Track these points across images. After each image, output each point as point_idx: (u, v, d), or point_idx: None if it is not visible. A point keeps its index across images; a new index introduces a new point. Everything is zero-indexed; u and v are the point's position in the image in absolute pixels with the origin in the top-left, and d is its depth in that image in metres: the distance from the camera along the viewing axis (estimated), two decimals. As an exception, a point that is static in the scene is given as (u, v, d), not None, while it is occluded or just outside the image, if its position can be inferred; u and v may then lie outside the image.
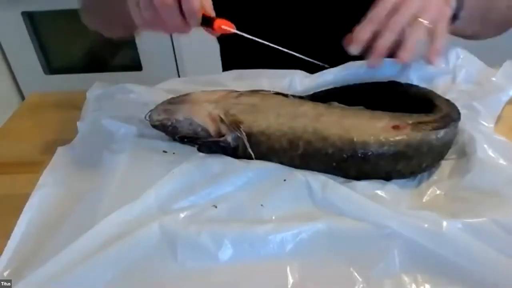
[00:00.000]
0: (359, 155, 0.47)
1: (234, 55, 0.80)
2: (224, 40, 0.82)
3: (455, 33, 0.60)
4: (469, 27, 0.61)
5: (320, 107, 0.52)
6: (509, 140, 0.51)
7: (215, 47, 0.88)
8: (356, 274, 0.40)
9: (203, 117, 0.54)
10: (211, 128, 0.53)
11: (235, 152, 0.52)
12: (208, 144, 0.53)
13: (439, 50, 0.52)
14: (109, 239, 0.42)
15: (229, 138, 0.51)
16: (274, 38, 0.71)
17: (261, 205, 0.46)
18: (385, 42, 0.51)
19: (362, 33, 0.52)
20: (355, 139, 0.47)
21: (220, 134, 0.52)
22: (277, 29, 0.70)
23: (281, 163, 0.50)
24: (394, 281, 0.39)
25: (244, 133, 0.51)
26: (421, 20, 0.50)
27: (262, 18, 0.69)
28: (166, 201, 0.46)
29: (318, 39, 0.71)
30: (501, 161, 0.48)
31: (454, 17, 0.56)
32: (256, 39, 0.55)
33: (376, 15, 0.52)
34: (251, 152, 0.51)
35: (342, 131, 0.48)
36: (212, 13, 0.51)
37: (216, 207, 0.46)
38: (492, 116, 0.55)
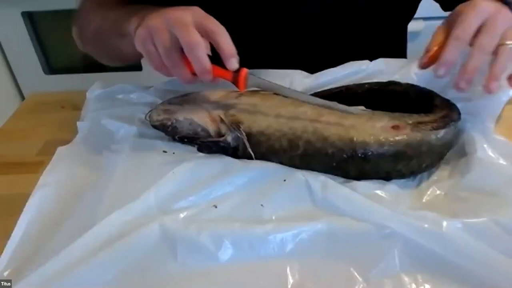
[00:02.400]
0: (359, 155, 0.47)
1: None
2: None
3: None
4: None
5: (320, 107, 0.52)
6: (509, 140, 0.51)
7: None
8: (356, 274, 0.40)
9: (203, 117, 0.54)
10: (211, 128, 0.53)
11: (235, 152, 0.52)
12: (208, 144, 0.53)
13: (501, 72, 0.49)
14: (109, 239, 0.42)
15: (229, 138, 0.51)
16: (274, 39, 0.72)
17: (261, 205, 0.46)
18: (475, 63, 0.48)
19: (450, 54, 0.48)
20: (355, 139, 0.47)
21: (220, 134, 0.52)
22: (278, 29, 0.70)
23: (281, 163, 0.50)
24: (394, 281, 0.39)
25: (244, 133, 0.51)
26: (509, 43, 0.48)
27: (262, 19, 0.69)
28: (166, 201, 0.46)
29: (319, 39, 0.71)
30: (501, 161, 0.48)
31: None
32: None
33: (462, 34, 0.48)
34: (251, 152, 0.51)
35: (342, 131, 0.48)
36: (234, 65, 0.49)
37: (216, 207, 0.46)
38: (492, 116, 0.55)
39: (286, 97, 0.56)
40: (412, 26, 0.78)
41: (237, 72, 0.50)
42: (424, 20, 1.23)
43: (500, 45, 0.48)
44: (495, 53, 0.48)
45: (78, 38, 0.69)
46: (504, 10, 0.49)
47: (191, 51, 0.47)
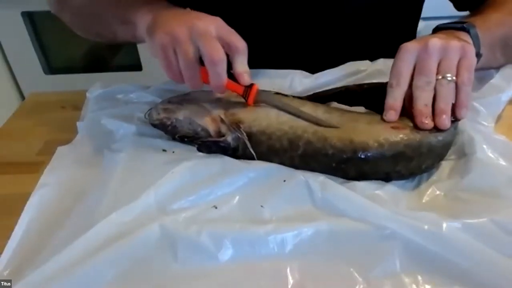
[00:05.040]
0: (359, 155, 0.47)
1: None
2: None
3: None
4: (493, 60, 0.59)
5: (320, 108, 0.52)
6: (509, 140, 0.51)
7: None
8: (356, 274, 0.40)
9: (203, 116, 0.54)
10: (211, 128, 0.53)
11: (235, 152, 0.52)
12: (207, 144, 0.53)
13: (466, 103, 0.49)
14: (109, 239, 0.42)
15: (229, 138, 0.51)
16: (275, 38, 0.72)
17: (261, 206, 0.46)
18: (422, 102, 0.47)
19: (394, 101, 0.49)
20: (354, 140, 0.47)
21: (220, 134, 0.52)
22: (278, 30, 0.70)
23: (281, 163, 0.50)
24: (394, 282, 0.39)
25: (244, 133, 0.51)
26: (448, 76, 0.48)
27: (262, 19, 0.69)
28: (166, 200, 0.46)
29: (321, 39, 0.71)
30: (501, 162, 0.48)
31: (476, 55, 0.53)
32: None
33: (396, 81, 0.49)
34: (252, 152, 0.51)
35: (342, 132, 0.48)
36: (247, 80, 0.51)
37: (216, 207, 0.45)
38: (492, 116, 0.55)
39: (286, 96, 0.56)
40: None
41: (248, 87, 0.52)
42: (424, 20, 1.23)
43: (439, 79, 0.48)
44: (436, 87, 0.48)
45: (58, 5, 0.68)
46: (433, 40, 0.48)
47: (213, 67, 0.47)
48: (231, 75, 0.51)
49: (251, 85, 0.52)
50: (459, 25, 0.52)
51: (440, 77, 0.47)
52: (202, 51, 0.47)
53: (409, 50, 0.48)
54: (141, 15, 0.54)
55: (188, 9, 0.54)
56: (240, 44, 0.49)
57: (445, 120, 0.47)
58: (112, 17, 0.59)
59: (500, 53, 0.57)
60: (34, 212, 0.48)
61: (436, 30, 0.55)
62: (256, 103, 0.53)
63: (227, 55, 0.49)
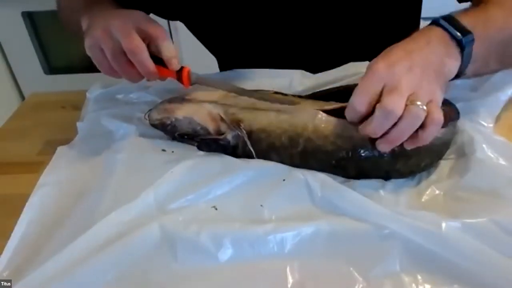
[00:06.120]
0: (359, 153, 0.47)
1: (232, 59, 0.80)
2: (220, 50, 0.82)
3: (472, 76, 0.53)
4: (485, 70, 0.54)
5: (320, 104, 0.52)
6: (509, 140, 0.51)
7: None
8: (356, 274, 0.40)
9: (202, 116, 0.54)
10: (211, 127, 0.53)
11: (235, 150, 0.52)
12: (207, 141, 0.53)
13: (425, 141, 0.44)
14: (108, 239, 0.42)
15: (229, 136, 0.51)
16: (276, 38, 0.71)
17: (261, 205, 0.46)
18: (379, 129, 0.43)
19: (367, 127, 0.43)
20: (354, 137, 0.47)
21: (220, 133, 0.52)
22: (278, 30, 0.70)
23: (281, 160, 0.50)
24: (394, 281, 0.39)
25: (244, 131, 0.51)
26: (418, 104, 0.42)
27: (262, 19, 0.69)
28: (165, 200, 0.46)
29: (320, 39, 0.71)
30: (501, 161, 0.48)
31: (458, 75, 0.49)
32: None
33: (353, 111, 0.44)
34: (252, 150, 0.51)
35: (341, 128, 0.48)
36: (175, 66, 0.52)
37: (216, 208, 0.45)
38: (491, 116, 0.55)
39: (286, 96, 0.56)
40: (411, 26, 0.78)
41: (180, 71, 0.53)
42: (424, 20, 1.23)
43: (408, 105, 0.42)
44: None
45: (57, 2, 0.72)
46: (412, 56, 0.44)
47: (134, 56, 0.50)
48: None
49: (182, 68, 0.53)
50: (459, 36, 0.47)
51: (413, 102, 0.42)
52: (122, 44, 0.50)
53: (379, 74, 0.44)
54: (83, 20, 0.57)
55: (118, 10, 0.57)
56: (158, 31, 0.52)
57: (386, 148, 0.44)
58: (75, 22, 0.62)
59: (494, 61, 0.53)
60: (34, 212, 0.49)
61: (434, 23, 0.50)
62: (193, 85, 0.54)
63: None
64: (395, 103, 0.41)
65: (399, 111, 0.41)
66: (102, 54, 0.52)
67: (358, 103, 0.44)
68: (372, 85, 0.44)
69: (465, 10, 0.51)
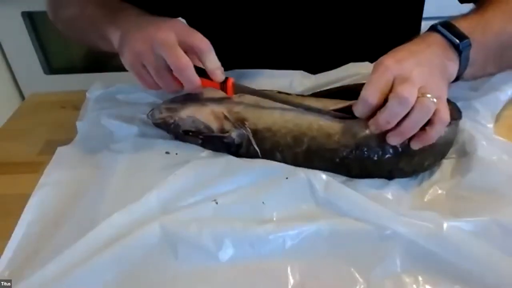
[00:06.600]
0: (362, 151, 0.47)
1: (231, 60, 0.80)
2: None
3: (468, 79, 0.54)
4: (482, 74, 0.56)
5: (323, 102, 0.52)
6: (509, 140, 0.51)
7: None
8: (357, 274, 0.40)
9: (206, 114, 0.54)
10: (214, 126, 0.53)
11: (238, 149, 0.52)
12: (211, 139, 0.53)
13: (432, 140, 0.44)
14: (110, 240, 0.42)
15: (234, 134, 0.51)
16: (275, 39, 0.71)
17: (263, 202, 0.45)
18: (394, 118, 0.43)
19: (378, 120, 0.44)
20: (358, 135, 0.47)
21: (224, 131, 0.52)
22: (278, 30, 0.70)
23: (285, 159, 0.50)
24: (395, 282, 0.39)
25: (249, 130, 0.51)
26: (429, 96, 0.42)
27: (262, 19, 0.69)
28: (168, 203, 0.46)
29: (320, 40, 0.71)
30: (502, 161, 0.48)
31: (457, 78, 0.50)
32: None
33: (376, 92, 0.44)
34: (257, 149, 0.51)
35: (345, 127, 0.48)
36: (220, 77, 0.52)
37: (216, 202, 0.45)
38: (491, 116, 0.55)
39: (289, 95, 0.56)
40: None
41: (224, 82, 0.53)
42: (425, 20, 1.23)
43: (419, 97, 0.42)
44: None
45: (52, 11, 0.70)
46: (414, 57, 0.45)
47: (181, 74, 0.50)
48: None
49: (226, 79, 0.53)
50: (456, 42, 0.48)
51: (423, 95, 0.42)
52: (167, 61, 0.49)
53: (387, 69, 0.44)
54: (112, 32, 0.56)
55: (152, 16, 0.55)
56: (203, 44, 0.51)
57: (396, 141, 0.44)
58: (93, 32, 0.61)
59: (492, 64, 0.55)
60: (34, 212, 0.48)
61: (432, 29, 0.51)
62: (236, 94, 0.54)
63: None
64: (409, 91, 0.42)
65: (413, 98, 0.42)
66: (145, 70, 0.52)
67: (370, 95, 0.44)
68: (383, 77, 0.44)
69: (463, 16, 0.53)
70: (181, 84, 0.52)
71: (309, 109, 0.50)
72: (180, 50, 0.49)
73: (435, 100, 0.42)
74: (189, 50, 0.51)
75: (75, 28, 0.67)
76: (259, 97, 0.53)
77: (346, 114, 0.48)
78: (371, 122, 0.44)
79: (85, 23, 0.63)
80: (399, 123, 0.43)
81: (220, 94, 0.56)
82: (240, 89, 0.54)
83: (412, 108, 0.42)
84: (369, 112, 0.45)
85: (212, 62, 0.51)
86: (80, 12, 0.64)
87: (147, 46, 0.50)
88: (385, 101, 0.44)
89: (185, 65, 0.49)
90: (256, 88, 0.57)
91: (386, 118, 0.43)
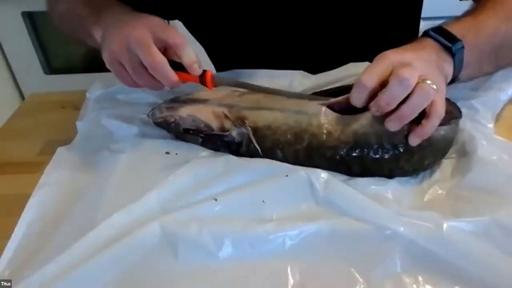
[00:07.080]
0: (362, 149, 0.47)
1: (231, 60, 0.80)
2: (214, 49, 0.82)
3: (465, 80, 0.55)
4: (478, 74, 0.56)
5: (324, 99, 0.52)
6: (509, 140, 0.51)
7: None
8: (357, 274, 0.40)
9: (206, 113, 0.54)
10: (215, 124, 0.53)
11: (239, 148, 0.52)
12: (211, 137, 0.53)
13: (428, 134, 0.45)
14: (110, 240, 0.42)
15: (234, 133, 0.52)
16: (275, 39, 0.71)
17: (263, 201, 0.45)
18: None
19: (379, 102, 0.44)
20: (358, 133, 0.47)
21: (224, 130, 0.52)
22: (278, 30, 0.70)
23: (285, 157, 0.50)
24: (395, 282, 0.39)
25: (249, 128, 0.51)
26: (429, 82, 0.42)
27: (262, 19, 0.69)
28: (169, 202, 0.46)
29: (320, 40, 0.71)
30: (502, 161, 0.48)
31: (453, 80, 0.51)
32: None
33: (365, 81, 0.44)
34: (257, 147, 0.51)
35: (346, 125, 0.48)
36: (197, 71, 0.52)
37: (217, 205, 0.45)
38: (491, 116, 0.55)
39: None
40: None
41: (202, 75, 0.52)
42: (424, 20, 1.23)
43: (419, 82, 0.43)
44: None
45: (49, 5, 0.71)
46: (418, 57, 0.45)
47: (156, 71, 0.50)
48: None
49: (205, 72, 0.52)
50: (448, 44, 0.49)
51: (423, 80, 0.43)
52: (142, 60, 0.49)
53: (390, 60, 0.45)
54: (96, 31, 0.56)
55: (132, 14, 0.56)
56: (178, 39, 0.51)
57: (395, 126, 0.44)
58: (82, 29, 0.61)
59: (488, 64, 0.55)
60: (34, 212, 0.48)
61: (425, 35, 0.51)
62: (216, 86, 0.54)
63: None
64: (410, 73, 0.42)
65: (413, 81, 0.42)
66: (123, 68, 0.52)
67: (367, 78, 0.44)
68: (382, 64, 0.45)
69: (456, 19, 0.53)
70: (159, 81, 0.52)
71: (299, 96, 0.51)
72: (155, 48, 0.49)
73: (435, 86, 0.43)
74: (166, 46, 0.51)
75: (67, 24, 0.68)
76: (240, 88, 0.54)
77: (342, 104, 0.49)
78: (372, 103, 0.45)
79: (74, 20, 0.64)
80: (398, 107, 0.43)
81: (220, 93, 0.57)
82: (220, 81, 0.54)
83: (412, 92, 0.42)
84: (365, 97, 0.45)
85: (189, 57, 0.51)
86: (69, 8, 0.65)
87: (123, 45, 0.50)
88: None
89: (158, 62, 0.49)
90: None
91: (386, 99, 0.43)
